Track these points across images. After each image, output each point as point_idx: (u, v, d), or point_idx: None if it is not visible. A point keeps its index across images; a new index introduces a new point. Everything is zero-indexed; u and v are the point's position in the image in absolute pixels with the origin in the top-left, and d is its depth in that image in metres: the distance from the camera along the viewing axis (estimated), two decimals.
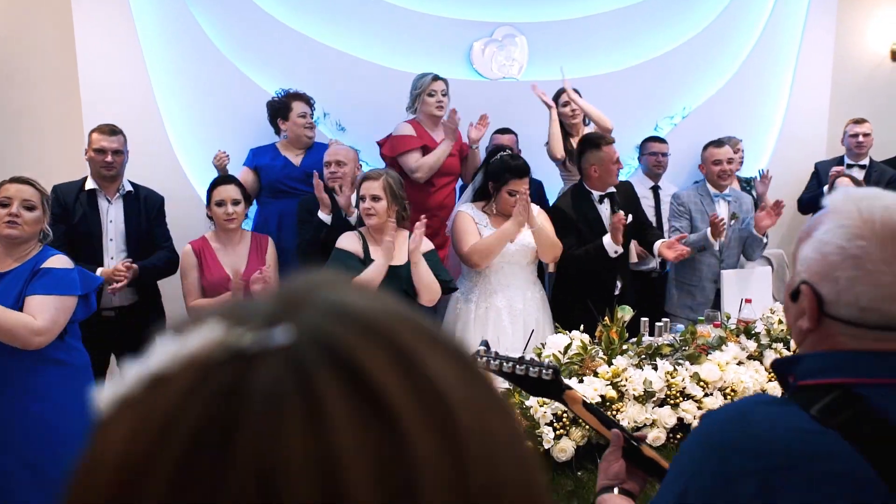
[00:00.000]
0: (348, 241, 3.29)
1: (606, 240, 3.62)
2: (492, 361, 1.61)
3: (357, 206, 3.39)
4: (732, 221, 4.20)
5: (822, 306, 0.98)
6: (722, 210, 4.23)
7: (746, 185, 4.93)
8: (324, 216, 3.63)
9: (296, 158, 4.13)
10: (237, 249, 3.47)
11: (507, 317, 3.48)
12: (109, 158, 3.49)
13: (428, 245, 3.35)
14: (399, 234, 3.29)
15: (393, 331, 0.37)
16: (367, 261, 3.22)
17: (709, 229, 3.91)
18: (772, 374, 2.70)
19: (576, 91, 4.44)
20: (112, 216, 3.56)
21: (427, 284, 3.26)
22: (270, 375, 0.34)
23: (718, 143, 4.33)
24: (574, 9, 4.93)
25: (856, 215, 0.96)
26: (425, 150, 4.11)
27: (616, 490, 1.41)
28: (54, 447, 2.67)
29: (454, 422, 0.35)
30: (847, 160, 5.21)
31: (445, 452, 0.34)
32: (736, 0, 5.29)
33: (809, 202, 5.13)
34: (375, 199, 3.22)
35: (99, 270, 3.40)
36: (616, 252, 3.63)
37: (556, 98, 4.49)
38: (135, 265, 3.41)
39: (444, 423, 0.35)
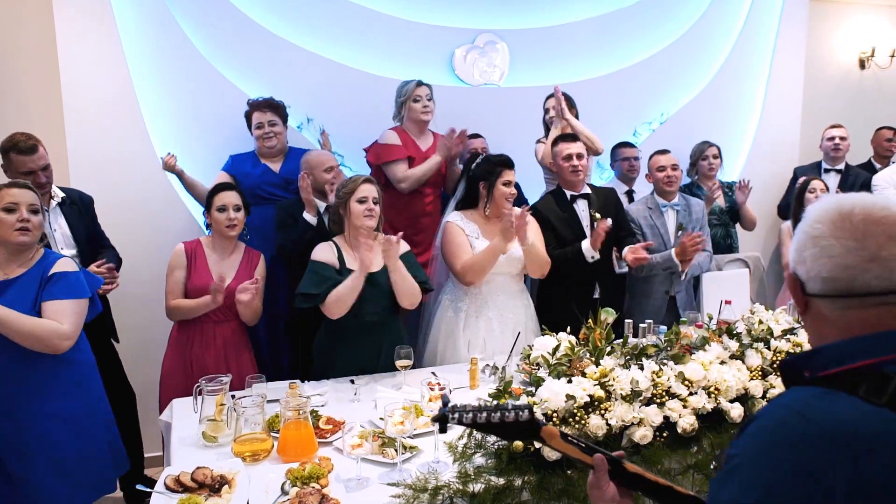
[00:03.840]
0: (324, 253, 3.22)
1: (585, 245, 3.71)
2: (465, 416, 1.49)
3: (340, 206, 3.27)
4: (679, 233, 4.17)
5: (803, 288, 1.13)
6: (670, 221, 4.23)
7: (728, 189, 5.01)
8: (310, 217, 3.66)
9: (274, 165, 4.12)
10: (230, 259, 3.38)
11: (497, 326, 3.49)
12: (42, 179, 3.41)
13: (403, 247, 3.26)
14: (375, 242, 3.25)
15: None
16: (342, 270, 3.16)
17: (673, 250, 3.95)
18: (754, 373, 2.76)
19: (567, 96, 4.40)
20: (54, 224, 3.50)
21: (408, 290, 3.20)
22: None
23: (662, 151, 4.33)
24: (554, 16, 5.00)
25: (821, 207, 1.13)
26: (411, 159, 4.14)
27: None
28: (77, 443, 2.69)
29: None
30: (824, 164, 5.33)
31: None
32: (711, 9, 5.40)
33: (786, 208, 5.23)
34: (376, 201, 3.22)
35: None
36: (593, 258, 3.72)
37: (545, 103, 4.51)
38: (109, 264, 3.43)
39: None
